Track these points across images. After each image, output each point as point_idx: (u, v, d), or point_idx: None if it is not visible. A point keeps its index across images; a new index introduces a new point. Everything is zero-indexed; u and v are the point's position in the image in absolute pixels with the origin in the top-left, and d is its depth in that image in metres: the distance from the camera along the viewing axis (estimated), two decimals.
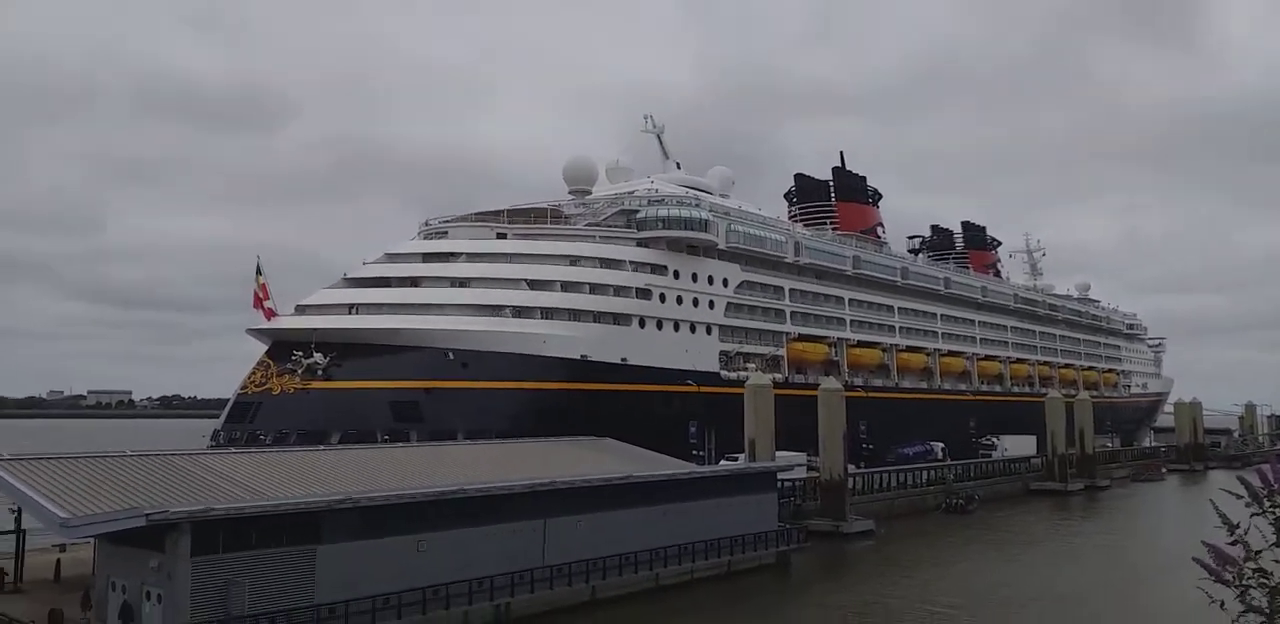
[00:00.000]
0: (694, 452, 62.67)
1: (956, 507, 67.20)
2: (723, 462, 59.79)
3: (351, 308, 64.64)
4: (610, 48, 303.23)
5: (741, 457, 56.72)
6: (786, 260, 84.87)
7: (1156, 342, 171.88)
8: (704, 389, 69.81)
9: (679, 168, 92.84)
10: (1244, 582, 5.70)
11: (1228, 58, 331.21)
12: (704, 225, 74.37)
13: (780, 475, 51.76)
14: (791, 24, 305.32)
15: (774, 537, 45.74)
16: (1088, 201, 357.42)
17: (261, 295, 64.36)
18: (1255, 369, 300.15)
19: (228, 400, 64.31)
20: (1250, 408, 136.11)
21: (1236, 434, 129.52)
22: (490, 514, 34.30)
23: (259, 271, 64.76)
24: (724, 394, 66.58)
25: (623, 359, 66.13)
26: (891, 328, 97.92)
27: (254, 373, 62.00)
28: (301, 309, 65.55)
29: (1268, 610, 5.37)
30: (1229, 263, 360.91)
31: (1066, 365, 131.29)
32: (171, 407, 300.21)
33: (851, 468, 61.55)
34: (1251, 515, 7.42)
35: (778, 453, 56.06)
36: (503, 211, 74.50)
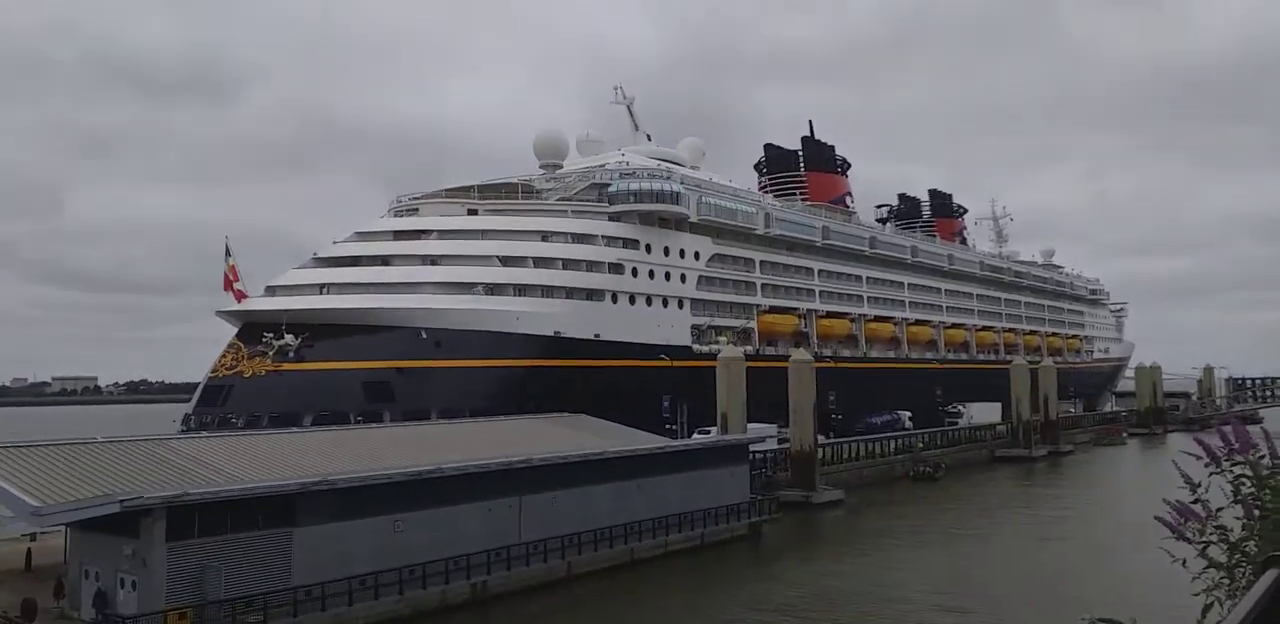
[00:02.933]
0: (667, 426, 63.15)
1: (924, 475, 68.36)
2: (695, 435, 60.32)
3: (322, 288, 64.16)
4: (574, 8, 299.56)
5: (714, 429, 57.24)
6: (757, 232, 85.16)
7: (1119, 307, 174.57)
8: (677, 363, 70.15)
9: (650, 140, 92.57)
10: (1205, 538, 5.90)
11: (1196, 14, 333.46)
12: (675, 198, 74.35)
13: (752, 447, 52.36)
14: None
15: (746, 508, 46.36)
16: (1055, 165, 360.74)
17: (231, 277, 63.69)
18: (1215, 331, 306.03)
19: (197, 384, 63.82)
20: (1208, 371, 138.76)
21: (1195, 397, 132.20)
22: (466, 493, 34.49)
23: (228, 253, 64.04)
24: (696, 368, 66.98)
25: (595, 335, 66.24)
26: (860, 298, 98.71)
27: (224, 356, 61.51)
28: (272, 290, 64.98)
29: (1227, 564, 5.56)
30: (1191, 224, 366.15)
31: (1031, 332, 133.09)
32: (139, 392, 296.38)
33: (821, 438, 62.28)
34: (1210, 475, 7.67)
35: (749, 425, 56.63)
36: (473, 187, 74.01)
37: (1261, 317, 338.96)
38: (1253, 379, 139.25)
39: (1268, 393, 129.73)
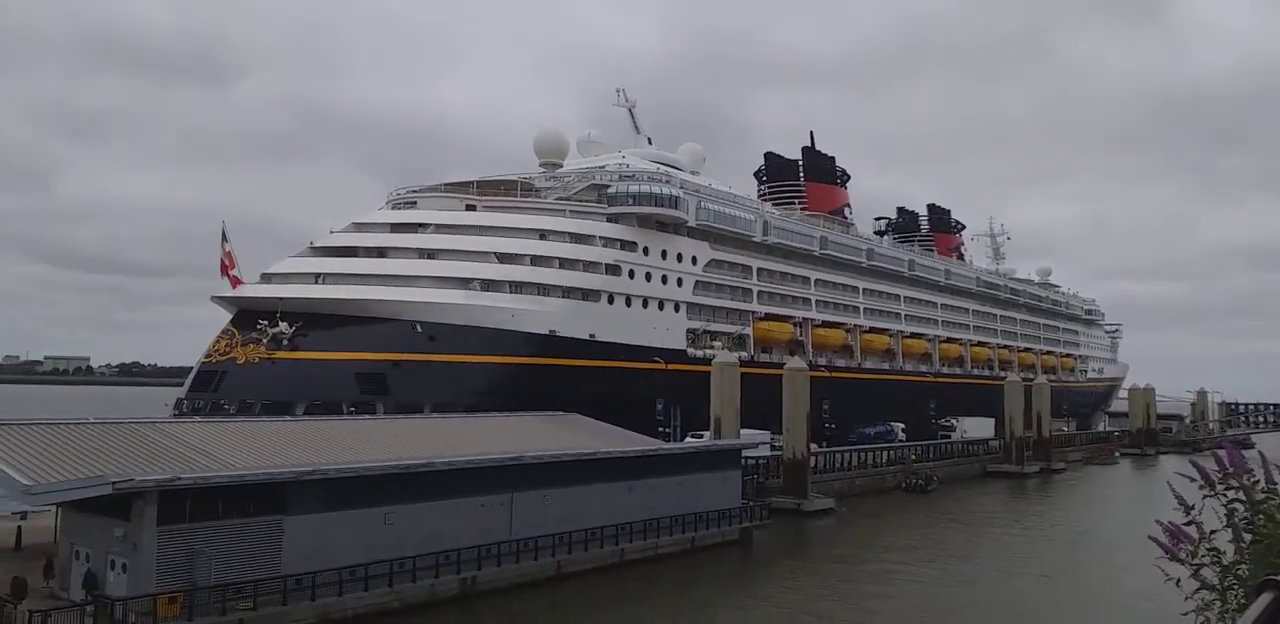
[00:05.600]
0: (660, 428, 63.18)
1: (916, 487, 68.44)
2: (688, 438, 60.42)
3: (318, 277, 64.07)
4: (576, 7, 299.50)
5: (707, 434, 57.31)
6: (755, 239, 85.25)
7: (1114, 327, 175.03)
8: (671, 366, 70.22)
9: (650, 143, 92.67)
10: (1198, 560, 6.02)
11: (1197, 40, 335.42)
12: (674, 202, 74.44)
13: (744, 453, 52.43)
14: None
15: (737, 513, 46.36)
16: (1054, 185, 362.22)
17: (228, 263, 63.68)
18: (1210, 356, 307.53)
19: (190, 369, 63.69)
20: (1202, 394, 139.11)
21: (1188, 420, 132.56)
22: (457, 488, 34.46)
23: (224, 238, 64.03)
24: (690, 372, 67.05)
25: (591, 335, 66.29)
26: (856, 309, 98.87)
27: (218, 341, 61.39)
28: (267, 277, 64.88)
29: (1220, 587, 5.69)
30: (1187, 250, 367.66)
31: (1026, 349, 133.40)
32: (131, 374, 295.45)
33: (814, 447, 62.40)
34: (1204, 497, 7.82)
35: (742, 431, 56.71)
36: (472, 183, 74.04)
37: (1253, 344, 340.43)
38: (1246, 404, 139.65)
39: (1260, 418, 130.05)
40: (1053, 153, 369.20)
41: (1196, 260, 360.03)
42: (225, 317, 63.12)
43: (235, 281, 63.63)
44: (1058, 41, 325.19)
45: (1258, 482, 8.22)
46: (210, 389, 58.75)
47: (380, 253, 66.30)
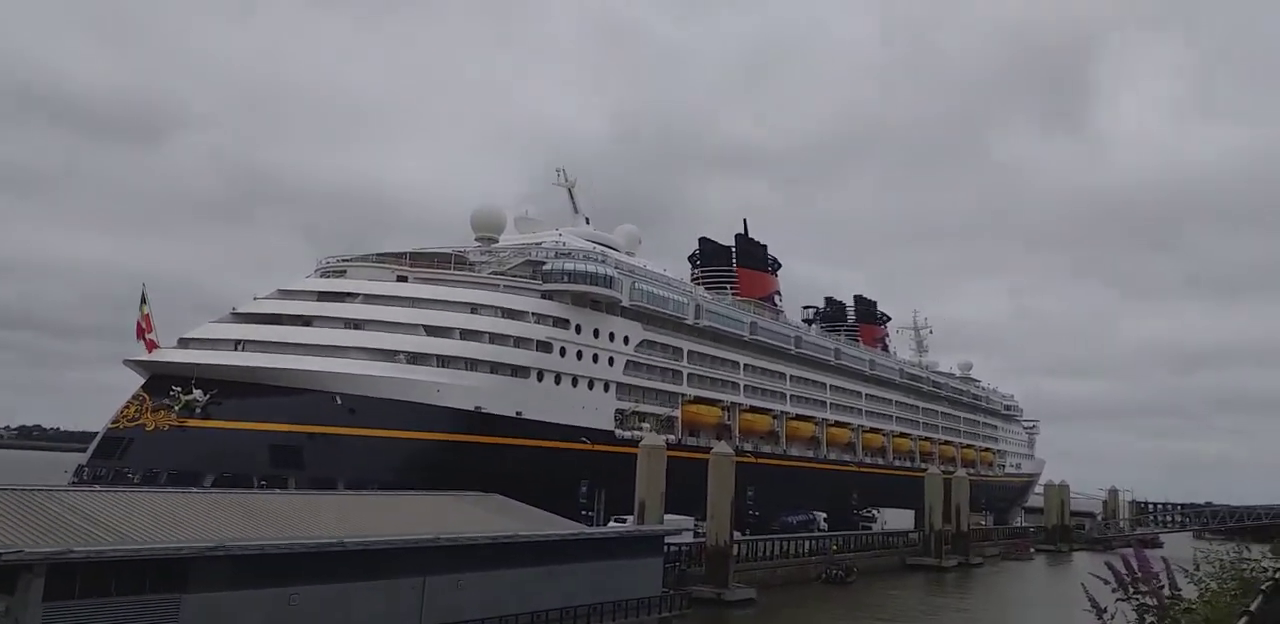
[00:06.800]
0: (583, 512, 62.03)
1: (836, 578, 67.96)
2: (611, 523, 59.35)
3: (238, 344, 62.44)
4: (523, 85, 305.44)
5: (630, 518, 56.38)
6: (687, 322, 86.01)
7: (1031, 423, 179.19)
8: (598, 447, 69.46)
9: (588, 222, 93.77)
10: None
11: (1121, 147, 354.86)
12: (609, 281, 74.95)
13: (667, 539, 51.64)
14: (712, 76, 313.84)
15: (657, 602, 45.36)
16: (981, 280, 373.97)
17: (145, 326, 61.73)
18: (1122, 454, 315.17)
19: (95, 434, 60.99)
20: (1113, 493, 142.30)
21: (1100, 518, 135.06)
22: (367, 569, 33.11)
23: (144, 300, 62.24)
24: (617, 453, 66.33)
25: (518, 412, 65.39)
26: (783, 395, 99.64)
27: (127, 407, 59.00)
28: (185, 342, 62.99)
29: None
30: (1106, 349, 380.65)
31: (946, 442, 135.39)
32: (32, 437, 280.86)
33: (737, 534, 61.82)
34: (1117, 600, 7.96)
35: (666, 516, 55.97)
36: (405, 254, 73.62)
37: (1166, 444, 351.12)
38: (1154, 503, 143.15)
39: (1168, 518, 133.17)
40: (981, 248, 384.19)
41: (1116, 359, 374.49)
42: (138, 381, 60.89)
43: (151, 345, 61.64)
44: (992, 142, 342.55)
45: (1163, 587, 8.42)
46: (115, 456, 56.14)
47: (306, 321, 65.08)
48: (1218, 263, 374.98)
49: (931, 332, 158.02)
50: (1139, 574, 8.54)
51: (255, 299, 67.77)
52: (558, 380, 70.37)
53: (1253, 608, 8.51)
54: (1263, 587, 13.38)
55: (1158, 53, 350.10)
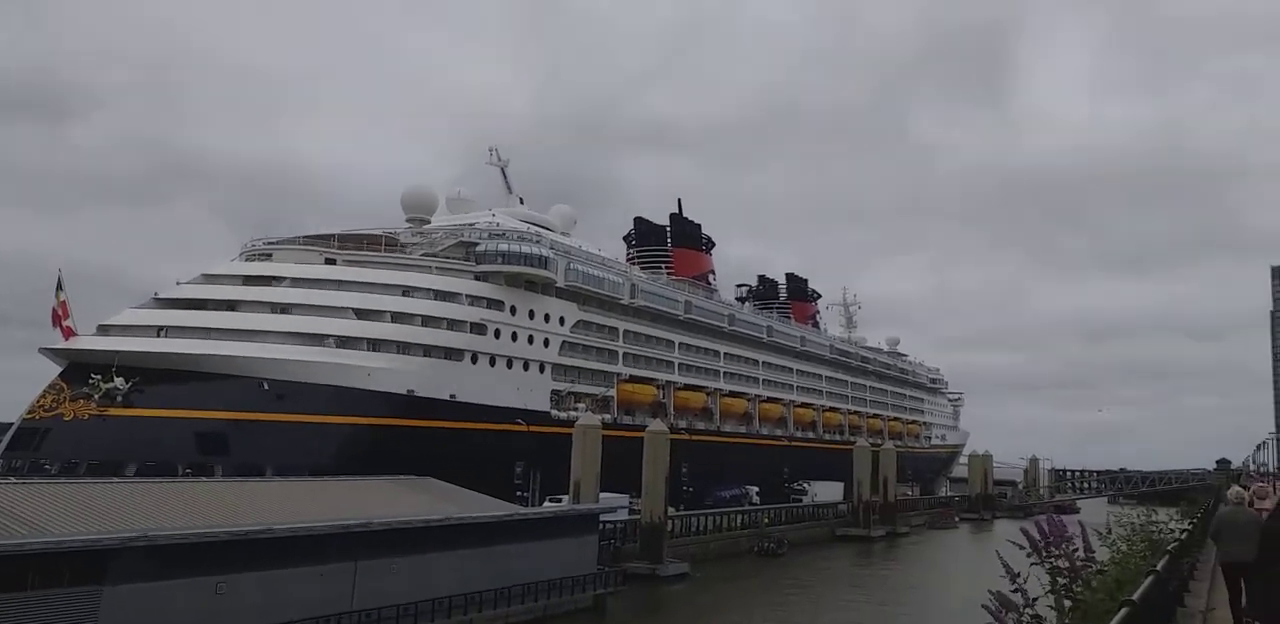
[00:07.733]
0: (518, 493, 62.00)
1: (768, 550, 69.15)
2: (547, 503, 59.45)
3: (160, 330, 60.79)
4: (449, 62, 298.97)
5: (566, 498, 56.56)
6: (622, 302, 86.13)
7: (956, 396, 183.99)
8: (533, 428, 69.37)
9: (522, 203, 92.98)
10: None
11: (1034, 126, 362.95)
12: (544, 262, 74.57)
13: (602, 517, 51.95)
14: (636, 56, 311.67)
15: (591, 580, 45.67)
16: (905, 256, 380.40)
17: (61, 313, 59.64)
18: (1044, 425, 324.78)
19: (8, 425, 58.84)
20: (1034, 461, 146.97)
21: (1021, 486, 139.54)
22: (297, 556, 32.66)
23: (60, 286, 60.12)
24: (553, 434, 66.36)
25: (451, 395, 64.90)
26: (717, 372, 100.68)
27: (44, 396, 57.07)
28: (104, 329, 61.07)
29: None
30: (1023, 322, 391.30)
31: (874, 415, 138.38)
32: None
33: (671, 510, 62.44)
34: (1031, 565, 8.22)
35: (601, 494, 56.26)
36: (333, 236, 72.17)
37: (1081, 414, 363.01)
38: (1072, 471, 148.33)
39: (1085, 484, 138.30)
40: (904, 225, 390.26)
41: (1032, 332, 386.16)
42: (54, 370, 58.89)
43: (68, 333, 59.58)
44: (909, 120, 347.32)
45: (1077, 550, 8.74)
46: (31, 448, 54.39)
47: (231, 306, 63.56)
48: (1124, 238, 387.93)
49: (860, 308, 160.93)
50: (1052, 539, 8.82)
51: (178, 284, 66.00)
52: (492, 362, 69.97)
53: (1159, 567, 8.93)
54: (1169, 547, 14.05)
55: (1076, 26, 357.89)
